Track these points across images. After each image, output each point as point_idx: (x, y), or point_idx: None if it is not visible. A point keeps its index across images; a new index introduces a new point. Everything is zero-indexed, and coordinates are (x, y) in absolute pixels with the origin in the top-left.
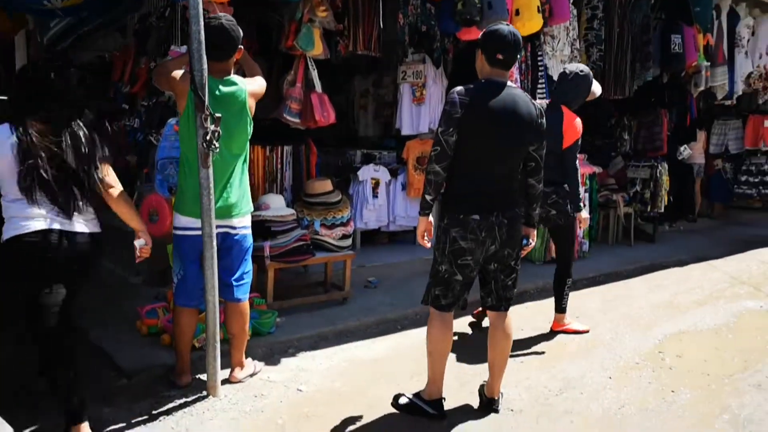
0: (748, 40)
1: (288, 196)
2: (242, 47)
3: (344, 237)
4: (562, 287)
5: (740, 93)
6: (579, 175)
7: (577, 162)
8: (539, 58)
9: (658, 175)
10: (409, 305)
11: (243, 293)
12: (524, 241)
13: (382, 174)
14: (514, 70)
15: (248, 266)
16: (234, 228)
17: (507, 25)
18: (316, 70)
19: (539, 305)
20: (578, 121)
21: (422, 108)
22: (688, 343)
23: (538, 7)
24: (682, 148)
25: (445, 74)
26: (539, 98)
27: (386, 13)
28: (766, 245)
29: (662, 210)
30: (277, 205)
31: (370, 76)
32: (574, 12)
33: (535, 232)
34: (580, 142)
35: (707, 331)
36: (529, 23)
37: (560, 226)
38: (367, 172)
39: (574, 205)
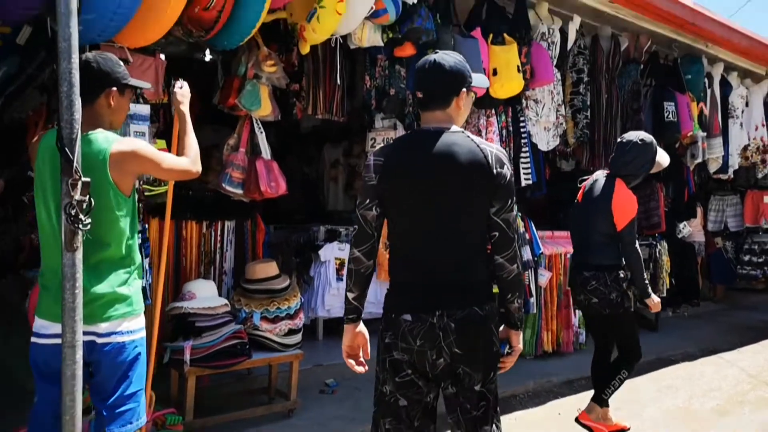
0: (743, 111)
1: (228, 281)
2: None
3: (291, 332)
4: (616, 373)
5: (736, 167)
6: (641, 260)
7: (638, 245)
8: (522, 125)
9: (657, 255)
10: (370, 417)
11: (120, 425)
12: (503, 348)
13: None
14: (494, 137)
15: (134, 386)
16: (100, 336)
17: (436, 52)
18: (263, 133)
19: (531, 415)
20: (633, 197)
21: None
22: None
23: (518, 66)
24: (681, 225)
25: None
26: (523, 170)
27: (351, 75)
28: None
29: (664, 294)
30: (205, 294)
31: (341, 144)
32: (558, 75)
33: (520, 336)
34: (636, 222)
35: None
36: (508, 84)
37: (606, 317)
38: (330, 251)
39: (642, 291)
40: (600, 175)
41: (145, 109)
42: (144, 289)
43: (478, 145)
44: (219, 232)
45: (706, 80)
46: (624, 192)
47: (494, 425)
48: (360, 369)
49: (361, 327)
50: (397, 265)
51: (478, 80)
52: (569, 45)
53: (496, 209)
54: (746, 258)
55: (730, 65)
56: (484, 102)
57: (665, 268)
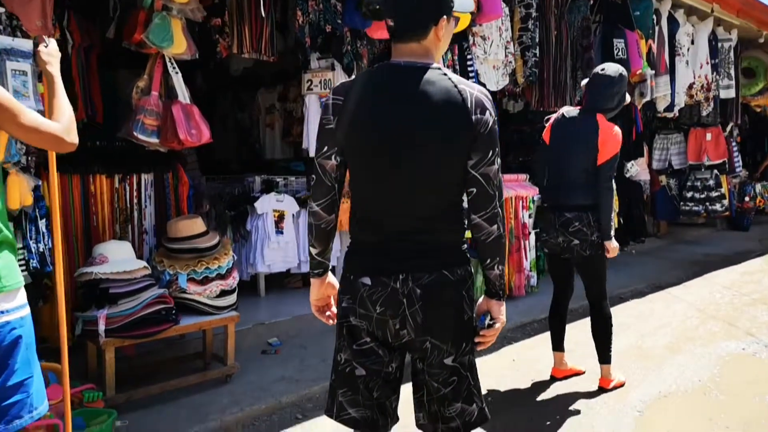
0: (689, 49)
1: (150, 241)
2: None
3: (224, 294)
4: (606, 333)
5: (682, 105)
6: (614, 197)
7: (613, 182)
8: (468, 63)
9: None
10: (317, 377)
11: (6, 422)
12: (482, 321)
13: (288, 204)
14: None
15: (18, 375)
16: None
17: None
18: (179, 74)
19: (484, 364)
20: (618, 131)
21: None
22: (675, 414)
23: None
24: (629, 165)
25: None
26: None
27: (284, 11)
28: (721, 266)
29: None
30: (119, 257)
31: (276, 88)
32: (506, 10)
33: (502, 307)
34: (618, 158)
35: (693, 392)
36: None
37: (586, 258)
38: (267, 203)
39: (604, 232)
40: (571, 112)
41: (26, 44)
42: (43, 254)
43: (455, 85)
44: (135, 187)
45: (654, 17)
46: (609, 126)
47: (474, 402)
48: (332, 322)
49: (330, 278)
50: (357, 222)
51: (462, 3)
52: None
53: (474, 162)
54: (689, 195)
55: (676, 2)
56: None
57: (614, 207)
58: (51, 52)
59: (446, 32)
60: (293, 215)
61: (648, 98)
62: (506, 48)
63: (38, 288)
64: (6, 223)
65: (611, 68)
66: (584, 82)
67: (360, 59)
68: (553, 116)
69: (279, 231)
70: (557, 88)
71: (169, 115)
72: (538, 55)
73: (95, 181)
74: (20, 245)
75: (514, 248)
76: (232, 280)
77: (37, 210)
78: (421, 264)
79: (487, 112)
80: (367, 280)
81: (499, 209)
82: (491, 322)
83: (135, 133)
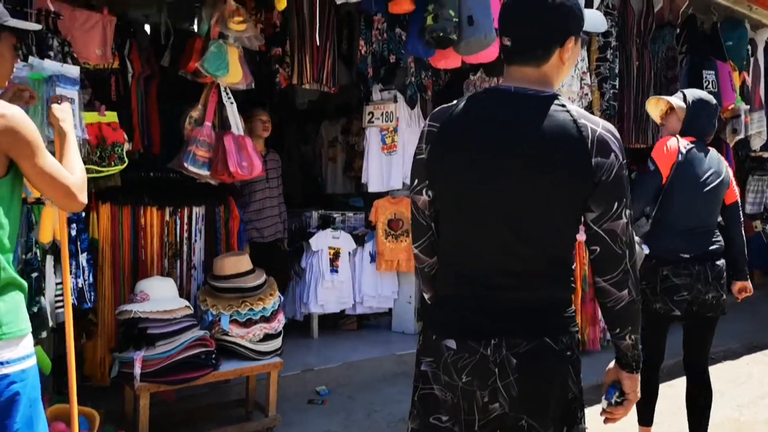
0: None
1: (199, 277)
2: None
3: (268, 338)
4: (708, 405)
5: None
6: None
7: None
8: None
9: None
10: None
11: None
12: (609, 393)
13: (344, 242)
14: None
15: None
16: None
17: None
18: (234, 105)
19: None
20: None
21: (393, 158)
22: None
23: None
24: None
25: (423, 116)
26: None
27: (349, 42)
28: None
29: None
30: (161, 294)
31: (339, 121)
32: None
33: (636, 381)
34: None
35: None
36: None
37: (716, 317)
38: (323, 240)
39: (743, 271)
40: (688, 144)
41: (74, 71)
42: (81, 290)
43: (575, 120)
44: (186, 220)
45: (749, 47)
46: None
47: None
48: None
49: None
50: (443, 270)
51: (594, 21)
52: (595, 4)
53: (595, 216)
54: None
55: None
56: (496, 68)
57: None
58: (64, 109)
59: (572, 55)
60: (349, 253)
61: (741, 135)
62: (582, 79)
63: (80, 324)
64: (11, 262)
65: (697, 94)
66: (677, 103)
67: (424, 91)
68: (667, 151)
69: (334, 269)
70: (638, 122)
71: (220, 146)
72: (617, 86)
73: (145, 213)
74: (58, 280)
75: (588, 297)
76: (277, 324)
77: (78, 243)
78: (519, 328)
79: (612, 155)
80: (452, 344)
81: (631, 270)
82: (619, 400)
83: (186, 165)
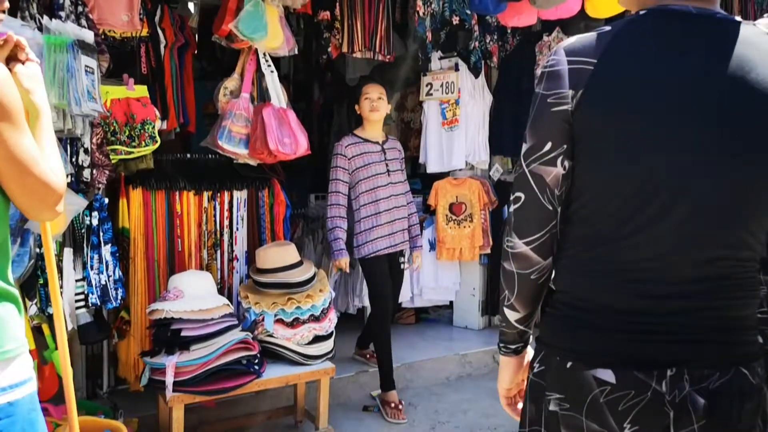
0: None
1: (241, 269)
2: None
3: (317, 339)
4: None
5: None
6: None
7: None
8: None
9: None
10: None
11: None
12: None
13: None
14: None
15: None
16: None
17: None
18: (275, 73)
19: None
20: None
21: (455, 134)
22: None
23: None
24: None
25: (489, 87)
26: None
27: (404, 6)
28: None
29: None
30: (197, 291)
31: (393, 96)
32: None
33: None
34: None
35: None
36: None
37: None
38: None
39: None
40: None
41: (89, 35)
42: (105, 287)
43: None
44: (226, 206)
45: None
46: None
47: None
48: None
49: (528, 356)
50: (583, 268)
51: None
52: None
53: None
54: None
55: None
56: (574, 27)
57: None
58: (33, 75)
59: None
60: None
61: None
62: None
63: (103, 324)
64: (5, 272)
65: None
66: None
67: (489, 57)
68: None
69: None
70: None
71: (259, 120)
72: None
73: (181, 198)
74: (79, 276)
75: None
76: (328, 324)
77: (101, 233)
78: (709, 353)
79: None
80: (608, 376)
81: None
82: None
83: (220, 142)
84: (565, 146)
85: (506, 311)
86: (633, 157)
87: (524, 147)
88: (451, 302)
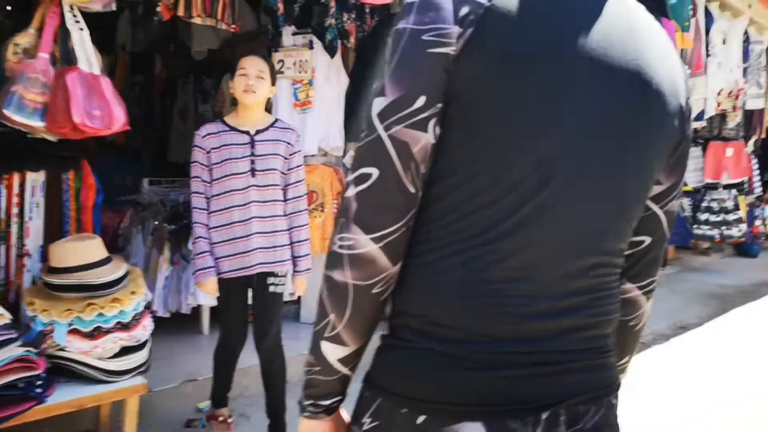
0: (720, 50)
1: (34, 268)
2: None
3: (126, 351)
4: None
5: (712, 113)
6: None
7: None
8: None
9: None
10: None
11: None
12: None
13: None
14: None
15: None
16: None
17: None
18: (85, 31)
19: None
20: None
21: (308, 116)
22: None
23: None
24: None
25: (345, 68)
26: None
27: None
28: (740, 301)
29: None
30: None
31: None
32: None
33: None
34: None
35: None
36: None
37: None
38: None
39: None
40: None
41: None
42: None
43: (666, 38)
44: (16, 190)
45: (691, 8)
46: None
47: None
48: None
49: (343, 415)
50: (437, 280)
51: None
52: None
53: (664, 189)
54: (703, 217)
55: None
56: None
57: None
58: None
59: None
60: None
61: None
62: None
63: None
64: None
65: None
66: None
67: (346, 37)
68: None
69: None
70: None
71: (60, 86)
72: None
73: None
74: None
75: None
76: (142, 331)
77: None
78: (584, 384)
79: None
80: (475, 430)
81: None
82: None
83: (7, 112)
84: (439, 105)
85: (325, 347)
86: (529, 132)
87: (381, 102)
88: (299, 297)
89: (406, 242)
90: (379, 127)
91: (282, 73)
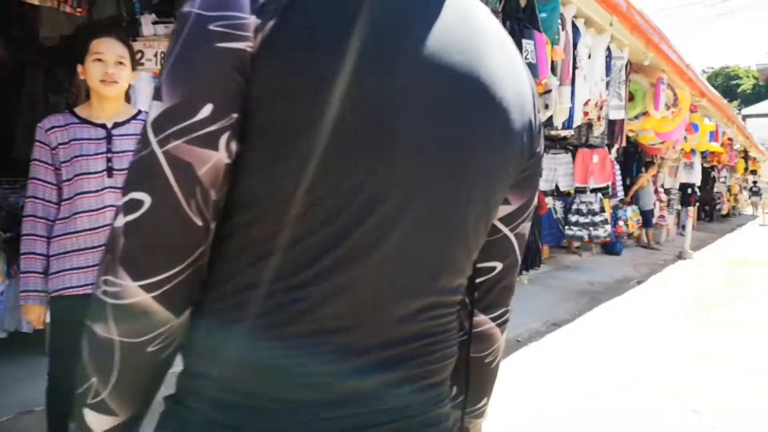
0: (585, 63)
1: None
2: None
3: None
4: None
5: (579, 122)
6: None
7: None
8: None
9: None
10: None
11: None
12: None
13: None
14: None
15: None
16: None
17: None
18: None
19: None
20: None
21: None
22: None
23: None
24: None
25: None
26: None
27: None
28: (607, 297)
29: None
30: None
31: None
32: None
33: None
34: None
35: None
36: None
37: None
38: None
39: None
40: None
41: None
42: None
43: (512, 44)
44: None
45: (560, 21)
46: None
47: None
48: None
49: None
50: (238, 332)
51: None
52: None
53: (513, 210)
54: (574, 219)
55: (577, 11)
56: None
57: None
58: None
59: None
60: None
61: (551, 112)
62: None
63: None
64: None
65: None
66: None
67: None
68: None
69: None
70: None
71: None
72: None
73: None
74: None
75: None
76: None
77: None
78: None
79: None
80: None
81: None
82: None
83: None
84: (234, 116)
85: (89, 416)
86: (347, 154)
87: (156, 108)
88: None
89: (193, 286)
90: (153, 141)
91: (141, 65)
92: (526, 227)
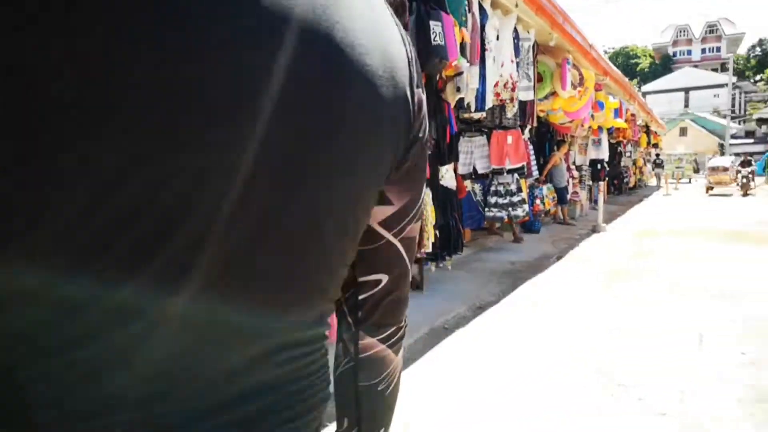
0: (494, 45)
1: None
2: None
3: None
4: None
5: (491, 104)
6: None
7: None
8: None
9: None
10: None
11: None
12: None
13: None
14: None
15: None
16: None
17: None
18: None
19: None
20: None
21: None
22: None
23: None
24: (444, 170)
25: None
26: None
27: None
28: (530, 275)
29: (429, 249)
30: None
31: None
32: None
33: None
34: None
35: None
36: None
37: None
38: None
39: None
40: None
41: None
42: None
43: (396, 24)
44: None
45: (466, 3)
46: None
47: None
48: None
49: None
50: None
51: None
52: None
53: (398, 208)
54: (493, 200)
55: None
56: None
57: (430, 219)
58: None
59: None
60: None
61: (463, 94)
62: None
63: None
64: None
65: None
66: None
67: None
68: None
69: None
70: None
71: None
72: None
73: None
74: None
75: None
76: None
77: None
78: None
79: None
80: None
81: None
82: None
83: None
84: None
85: None
86: (147, 144)
87: None
88: None
89: None
90: None
91: None
92: (414, 229)
